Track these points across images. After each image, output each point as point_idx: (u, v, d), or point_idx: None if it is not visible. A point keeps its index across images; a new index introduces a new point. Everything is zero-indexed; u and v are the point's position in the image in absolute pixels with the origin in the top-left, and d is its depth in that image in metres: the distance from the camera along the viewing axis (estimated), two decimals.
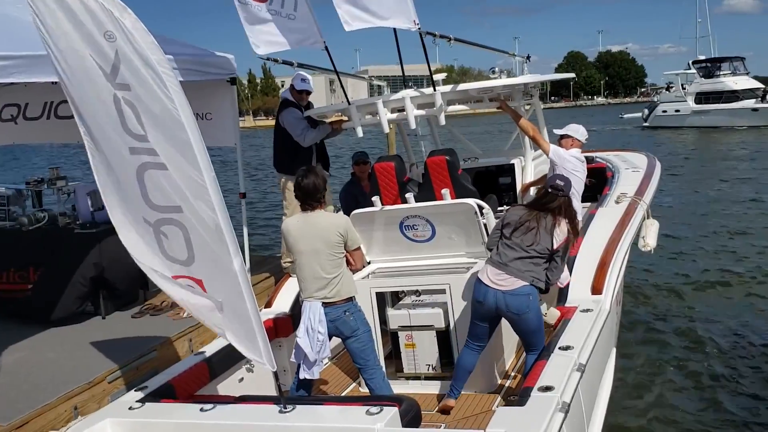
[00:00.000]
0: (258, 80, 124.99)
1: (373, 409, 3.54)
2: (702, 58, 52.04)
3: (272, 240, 12.34)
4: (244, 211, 7.43)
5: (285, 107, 6.94)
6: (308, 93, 7.01)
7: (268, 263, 8.73)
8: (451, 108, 6.20)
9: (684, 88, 50.90)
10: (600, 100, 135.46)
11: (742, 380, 7.09)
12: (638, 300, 9.78)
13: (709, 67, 50.14)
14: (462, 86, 5.98)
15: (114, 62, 3.36)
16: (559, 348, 4.26)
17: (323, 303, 4.60)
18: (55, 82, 5.85)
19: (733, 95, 46.94)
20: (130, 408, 4.13)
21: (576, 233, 4.96)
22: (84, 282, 6.99)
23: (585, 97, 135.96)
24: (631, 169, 8.05)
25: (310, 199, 4.62)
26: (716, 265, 11.58)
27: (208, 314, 3.85)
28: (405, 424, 3.56)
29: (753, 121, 44.68)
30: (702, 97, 49.12)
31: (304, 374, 4.66)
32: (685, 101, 50.04)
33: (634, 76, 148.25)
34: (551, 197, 4.81)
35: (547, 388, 3.71)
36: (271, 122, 7.51)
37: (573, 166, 6.20)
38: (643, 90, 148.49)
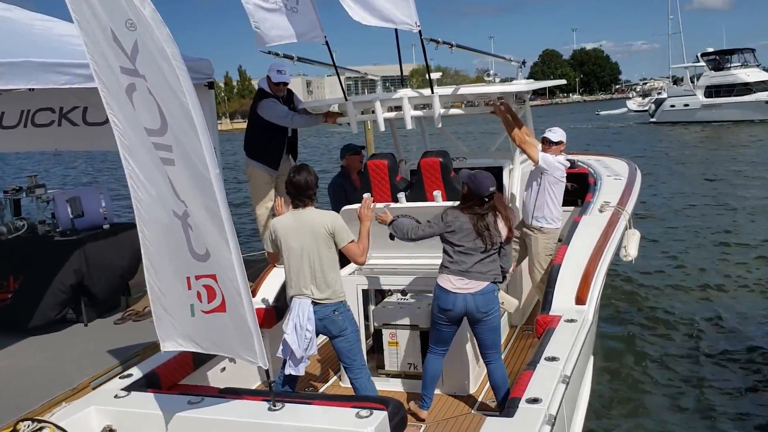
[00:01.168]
0: (234, 83, 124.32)
1: (363, 413, 3.67)
2: (710, 50, 50.72)
3: (255, 241, 12.28)
4: None
5: (263, 97, 6.91)
6: (285, 84, 6.95)
7: (250, 266, 8.68)
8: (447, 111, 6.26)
9: (693, 82, 49.79)
10: (576, 97, 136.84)
11: (719, 383, 7.30)
12: (614, 304, 9.88)
13: (718, 60, 48.92)
14: (461, 90, 6.04)
15: (132, 51, 3.43)
16: (545, 359, 4.41)
17: (313, 301, 4.69)
18: (33, 89, 5.89)
19: (745, 88, 45.88)
20: (115, 396, 4.24)
21: (510, 221, 5.17)
22: (65, 289, 7.10)
23: (561, 94, 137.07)
24: (613, 177, 8.20)
25: (301, 195, 4.71)
26: (697, 267, 11.81)
27: (210, 335, 3.93)
28: (392, 428, 3.70)
29: (766, 114, 43.98)
30: (712, 91, 47.86)
31: (289, 370, 4.79)
32: (695, 95, 48.79)
33: (608, 74, 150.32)
34: (488, 204, 4.97)
35: (535, 400, 3.83)
36: None
37: (561, 174, 6.42)
38: (617, 87, 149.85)
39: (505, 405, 4.79)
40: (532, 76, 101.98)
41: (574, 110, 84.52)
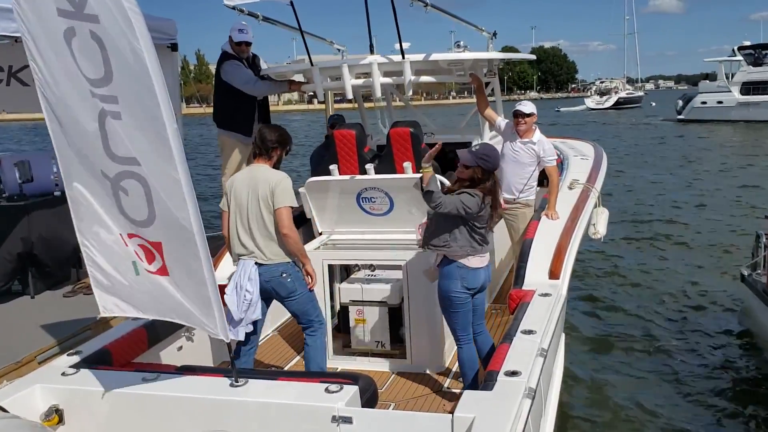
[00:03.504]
0: (192, 67, 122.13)
1: (333, 387, 3.49)
2: (747, 44, 47.02)
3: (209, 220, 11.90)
4: None
5: (225, 60, 6.49)
6: (248, 44, 6.55)
7: (212, 243, 8.31)
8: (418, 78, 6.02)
9: (728, 77, 46.08)
10: (533, 94, 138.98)
11: (689, 360, 7.44)
12: (582, 282, 9.91)
13: (757, 54, 45.15)
14: (433, 56, 5.78)
15: None
16: (522, 332, 4.24)
17: (256, 263, 4.49)
18: None
19: None
20: (62, 374, 3.94)
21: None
22: (10, 258, 6.73)
23: (518, 91, 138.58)
24: (579, 157, 8.16)
25: (258, 146, 4.57)
26: (664, 254, 12.03)
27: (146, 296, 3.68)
28: (363, 403, 3.52)
29: None
30: (750, 87, 44.18)
31: (229, 334, 4.47)
32: (729, 91, 45.12)
33: (565, 72, 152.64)
34: (487, 176, 4.58)
35: (514, 373, 3.64)
36: (207, 110, 7.06)
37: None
38: (573, 86, 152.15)
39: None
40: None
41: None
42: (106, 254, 3.68)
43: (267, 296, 4.60)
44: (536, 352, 3.97)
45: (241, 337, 4.51)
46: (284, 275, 4.51)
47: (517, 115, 6.18)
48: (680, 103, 50.38)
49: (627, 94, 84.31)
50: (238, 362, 4.59)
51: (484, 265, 4.70)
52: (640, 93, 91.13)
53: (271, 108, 7.32)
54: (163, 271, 3.55)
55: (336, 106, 11.58)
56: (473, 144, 7.10)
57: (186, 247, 3.41)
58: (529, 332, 4.19)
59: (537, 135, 6.23)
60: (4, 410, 3.51)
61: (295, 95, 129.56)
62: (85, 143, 3.41)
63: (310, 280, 4.67)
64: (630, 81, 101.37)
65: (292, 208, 4.48)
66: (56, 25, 3.21)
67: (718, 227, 14.18)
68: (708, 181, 21.08)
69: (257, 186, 4.43)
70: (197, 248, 3.38)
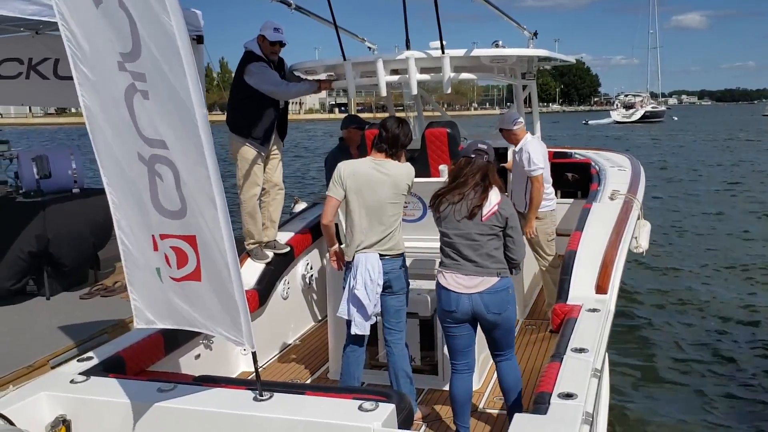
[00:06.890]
0: (215, 74, 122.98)
1: (368, 405, 3.16)
2: None
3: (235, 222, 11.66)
4: None
5: (251, 60, 5.78)
6: (281, 45, 5.96)
7: None
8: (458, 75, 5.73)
9: None
10: (555, 107, 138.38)
11: (729, 378, 7.11)
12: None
13: None
14: (474, 52, 5.47)
15: None
16: (572, 350, 3.89)
17: (381, 255, 4.45)
18: None
19: None
20: (71, 381, 3.66)
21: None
22: (24, 257, 6.46)
23: (541, 104, 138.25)
24: (617, 168, 7.89)
25: (390, 145, 4.53)
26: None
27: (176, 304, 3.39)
28: (400, 422, 3.21)
29: None
30: None
31: (355, 330, 4.47)
32: None
33: (588, 86, 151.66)
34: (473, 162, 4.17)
35: (569, 395, 3.33)
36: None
37: (540, 165, 5.99)
38: (596, 99, 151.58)
39: (520, 404, 4.24)
40: None
41: (559, 119, 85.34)
42: (139, 258, 3.40)
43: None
44: (590, 372, 3.62)
45: (367, 332, 4.50)
46: (402, 268, 4.54)
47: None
48: None
49: (652, 108, 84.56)
50: (352, 354, 4.55)
51: (454, 287, 4.10)
52: (663, 108, 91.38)
53: (292, 117, 6.86)
54: (195, 275, 3.24)
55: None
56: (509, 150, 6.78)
57: (213, 244, 3.10)
58: (581, 350, 3.85)
59: (522, 141, 6.03)
60: (8, 420, 3.21)
61: (316, 104, 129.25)
62: (121, 121, 3.11)
63: None
64: (653, 95, 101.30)
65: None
66: None
67: None
68: None
69: (398, 180, 4.44)
70: (224, 247, 3.05)
